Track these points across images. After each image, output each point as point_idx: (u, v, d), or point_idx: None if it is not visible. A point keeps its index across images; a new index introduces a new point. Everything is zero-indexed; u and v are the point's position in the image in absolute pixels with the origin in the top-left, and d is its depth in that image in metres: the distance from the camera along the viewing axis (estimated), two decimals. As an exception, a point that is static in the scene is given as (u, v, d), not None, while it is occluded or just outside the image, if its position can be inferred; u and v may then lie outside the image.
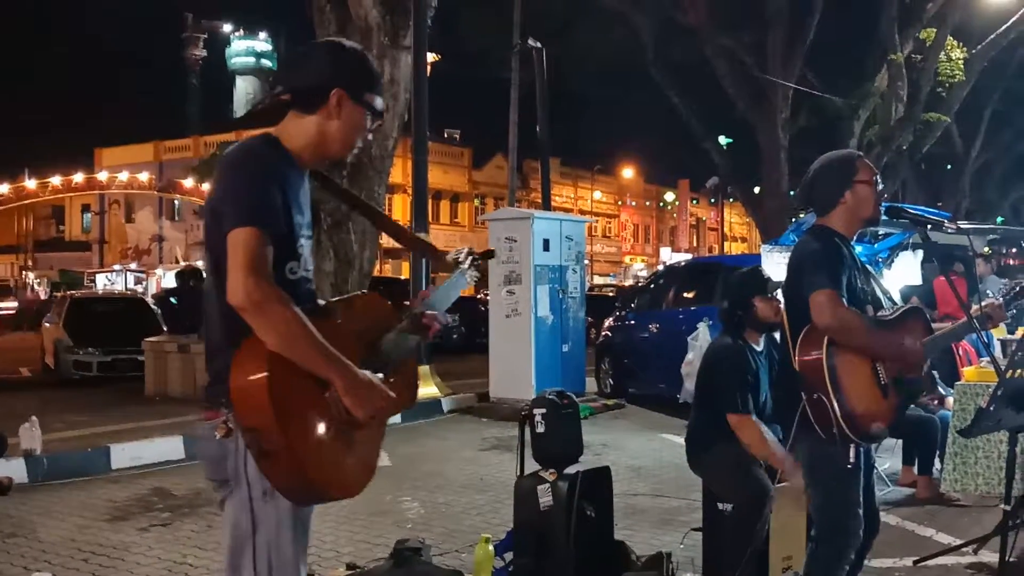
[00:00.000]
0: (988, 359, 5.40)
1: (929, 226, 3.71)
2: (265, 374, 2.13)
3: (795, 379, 3.40)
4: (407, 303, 2.70)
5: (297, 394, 2.18)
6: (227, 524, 2.35)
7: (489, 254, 3.06)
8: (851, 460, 3.38)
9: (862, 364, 3.34)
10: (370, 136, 2.56)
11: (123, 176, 44.83)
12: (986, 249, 10.93)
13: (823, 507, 3.58)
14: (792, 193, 20.45)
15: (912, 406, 6.91)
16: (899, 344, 3.39)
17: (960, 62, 21.27)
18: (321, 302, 2.56)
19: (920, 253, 10.63)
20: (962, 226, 4.81)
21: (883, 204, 3.57)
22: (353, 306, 2.52)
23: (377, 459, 2.45)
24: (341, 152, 2.53)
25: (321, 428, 2.22)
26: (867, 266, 3.78)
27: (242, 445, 2.24)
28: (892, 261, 10.44)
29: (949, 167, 34.10)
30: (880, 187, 3.54)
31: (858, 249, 9.94)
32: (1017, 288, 3.71)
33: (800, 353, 3.36)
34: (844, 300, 3.30)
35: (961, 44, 21.41)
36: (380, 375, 2.36)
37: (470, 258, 2.90)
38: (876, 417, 3.34)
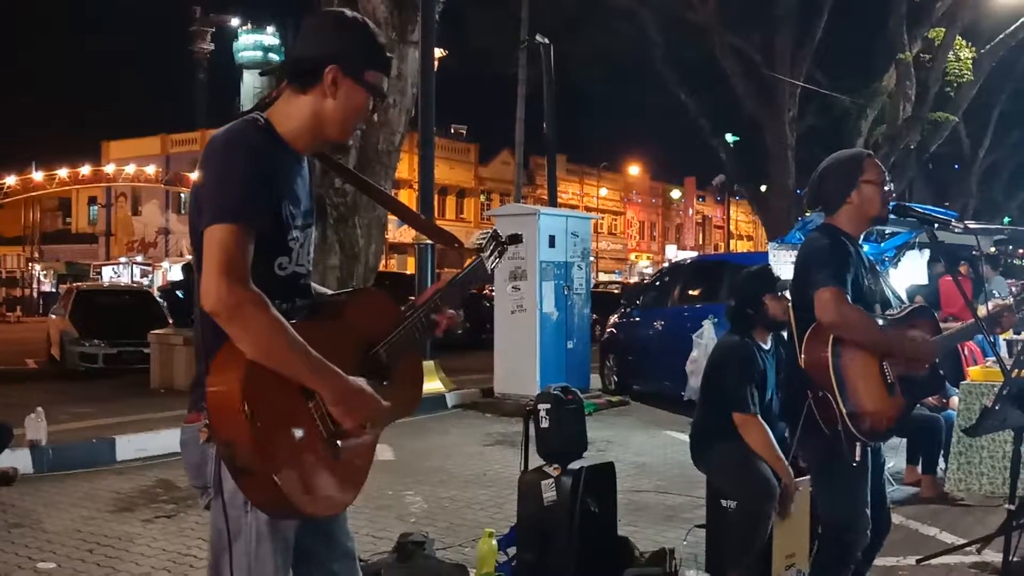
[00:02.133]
0: (994, 359, 5.39)
1: (936, 225, 3.70)
2: (240, 386, 1.97)
3: (801, 377, 3.40)
4: (412, 298, 2.51)
5: (277, 405, 2.01)
6: (210, 533, 2.21)
7: (516, 238, 2.76)
8: (857, 458, 3.37)
9: (869, 362, 3.33)
10: (375, 117, 2.30)
11: (130, 169, 44.87)
12: (992, 249, 10.91)
13: (830, 505, 3.58)
14: (799, 192, 20.42)
15: (918, 405, 6.94)
16: (907, 338, 3.38)
17: (969, 62, 21.20)
18: (324, 290, 2.44)
19: (927, 252, 10.61)
20: (969, 226, 4.81)
21: (891, 204, 3.57)
22: (352, 303, 2.32)
23: (366, 473, 2.24)
24: (339, 136, 2.30)
25: (304, 442, 2.05)
26: (876, 265, 3.77)
27: None
28: (898, 260, 10.41)
29: (956, 167, 34.07)
30: (888, 187, 3.53)
31: (865, 248, 9.94)
32: None
33: (806, 351, 3.36)
34: (848, 297, 3.29)
35: (970, 44, 21.34)
36: (383, 379, 2.22)
37: (493, 243, 2.62)
38: (882, 415, 3.34)
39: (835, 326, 3.27)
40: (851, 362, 3.30)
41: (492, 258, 2.61)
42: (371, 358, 2.26)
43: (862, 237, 3.64)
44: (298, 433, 2.05)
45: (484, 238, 2.65)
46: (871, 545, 3.58)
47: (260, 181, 2.11)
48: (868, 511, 3.46)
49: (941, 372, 3.62)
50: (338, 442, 2.12)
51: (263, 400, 1.99)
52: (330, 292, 2.49)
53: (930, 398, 7.06)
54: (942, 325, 3.66)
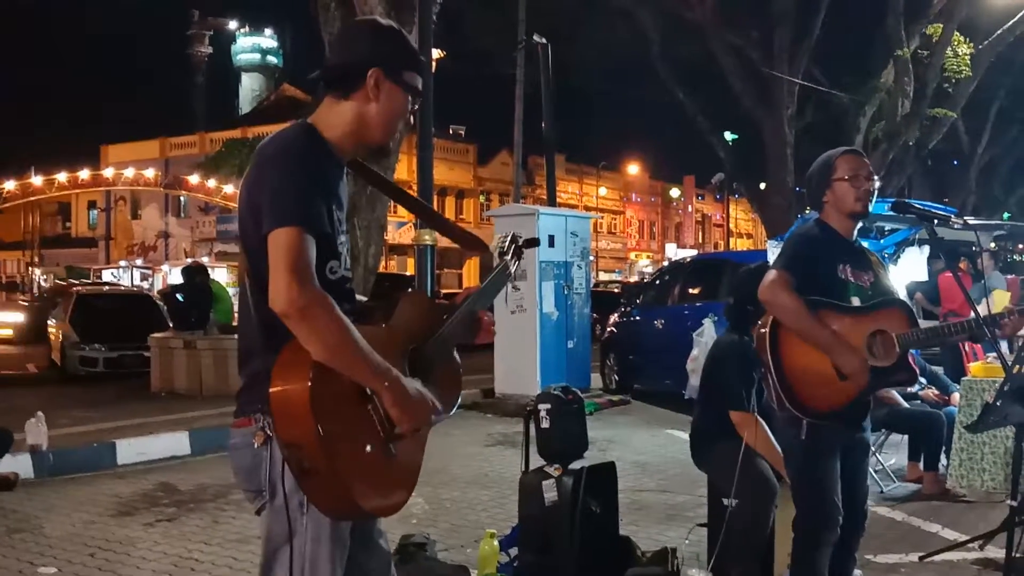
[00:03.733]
0: (995, 355, 5.38)
1: (936, 221, 3.70)
2: (308, 384, 2.00)
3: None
4: (448, 302, 2.55)
5: (340, 407, 2.05)
6: (262, 536, 2.23)
7: (533, 242, 2.84)
8: (803, 436, 3.42)
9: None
10: (411, 120, 2.44)
11: (129, 173, 44.79)
12: (992, 245, 10.91)
13: (795, 487, 3.61)
14: (798, 189, 20.42)
15: (918, 402, 6.93)
16: (837, 342, 3.37)
17: (967, 58, 21.16)
18: (361, 298, 2.46)
19: (926, 249, 10.60)
20: (969, 222, 4.81)
21: (873, 197, 3.57)
22: (398, 307, 2.35)
23: (418, 472, 2.28)
24: (382, 138, 2.37)
25: (364, 443, 2.09)
26: (879, 262, 3.76)
27: (277, 454, 2.12)
28: (898, 257, 10.40)
29: (955, 163, 34.00)
30: (866, 182, 3.53)
31: (863, 244, 9.92)
32: None
33: (756, 330, 3.53)
34: (792, 283, 3.36)
35: (968, 40, 21.31)
36: (426, 381, 2.26)
37: (514, 247, 2.69)
38: (828, 397, 3.39)
39: (767, 303, 3.42)
40: (793, 341, 3.39)
41: (513, 261, 2.68)
42: (416, 360, 2.30)
43: (855, 232, 3.64)
44: (360, 434, 2.10)
45: (504, 242, 2.70)
46: (847, 535, 3.56)
47: (317, 185, 2.18)
48: (836, 498, 3.47)
49: (934, 368, 3.63)
50: (393, 443, 2.16)
51: (328, 402, 2.03)
52: (364, 299, 2.51)
53: (931, 394, 7.07)
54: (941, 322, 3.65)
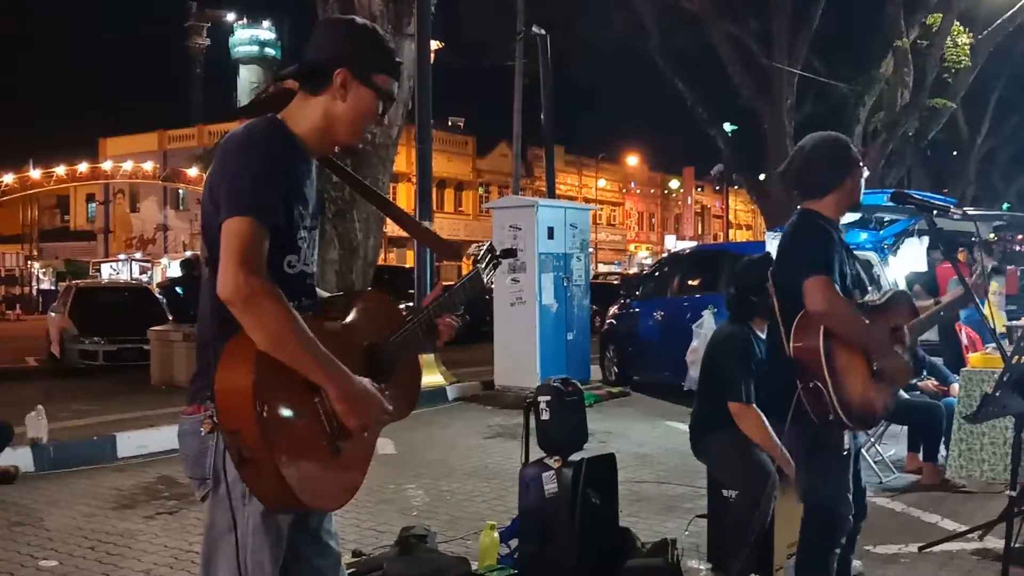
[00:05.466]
0: (994, 345, 5.39)
1: (935, 212, 3.69)
2: (251, 375, 2.01)
3: (787, 367, 3.34)
4: (411, 304, 2.56)
5: (284, 398, 2.06)
6: (205, 524, 2.24)
7: (510, 253, 2.89)
8: (846, 447, 3.39)
9: (855, 351, 3.31)
10: (385, 121, 2.41)
11: (127, 166, 44.85)
12: (992, 236, 10.90)
13: (815, 492, 3.56)
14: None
15: (918, 393, 6.94)
16: (888, 348, 3.36)
17: (966, 48, 21.15)
18: (324, 294, 2.46)
19: (926, 239, 10.58)
20: (968, 212, 4.80)
21: (876, 191, 3.58)
22: (357, 305, 2.35)
23: (365, 470, 2.27)
24: (349, 139, 2.36)
25: (307, 436, 2.09)
26: (853, 251, 3.74)
27: (223, 443, 2.13)
28: (898, 247, 10.39)
29: (955, 153, 34.00)
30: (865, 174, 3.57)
31: (863, 236, 9.92)
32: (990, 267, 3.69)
33: (795, 340, 3.30)
34: (837, 286, 3.25)
35: (967, 30, 21.30)
36: (383, 382, 2.26)
37: (489, 256, 2.70)
38: (872, 403, 3.34)
39: (824, 315, 3.21)
40: (841, 351, 3.26)
41: (488, 270, 2.68)
42: (373, 359, 2.29)
43: (840, 223, 3.63)
44: (302, 427, 2.09)
45: (480, 249, 2.70)
46: (854, 531, 3.61)
47: (276, 178, 2.18)
48: (850, 496, 3.47)
49: (930, 358, 3.63)
50: (339, 439, 2.15)
51: (271, 391, 2.03)
52: (327, 295, 2.51)
53: (930, 385, 7.07)
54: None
